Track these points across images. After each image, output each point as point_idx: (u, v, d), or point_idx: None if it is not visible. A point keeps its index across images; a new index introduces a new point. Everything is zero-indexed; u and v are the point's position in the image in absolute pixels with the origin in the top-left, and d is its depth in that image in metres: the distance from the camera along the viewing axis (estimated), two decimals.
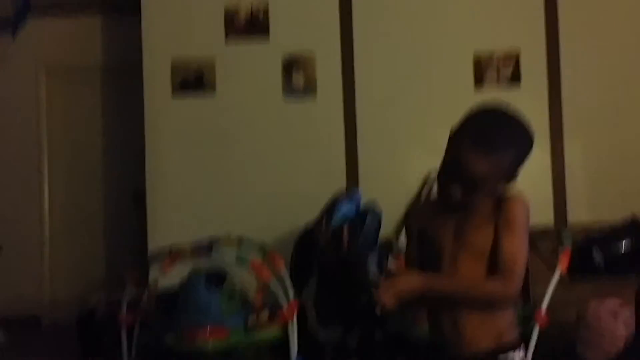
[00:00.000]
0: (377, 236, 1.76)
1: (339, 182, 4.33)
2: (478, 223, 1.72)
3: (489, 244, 1.69)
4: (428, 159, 4.30)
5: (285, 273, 3.71)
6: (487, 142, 1.66)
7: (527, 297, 3.60)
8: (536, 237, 3.68)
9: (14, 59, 5.29)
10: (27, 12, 4.96)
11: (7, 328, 4.02)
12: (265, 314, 3.41)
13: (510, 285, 1.66)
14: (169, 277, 3.57)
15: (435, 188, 4.05)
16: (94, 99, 5.42)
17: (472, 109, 1.74)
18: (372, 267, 1.70)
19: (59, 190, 5.35)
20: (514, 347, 1.75)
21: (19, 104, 5.32)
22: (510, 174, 1.73)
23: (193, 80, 4.40)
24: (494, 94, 4.36)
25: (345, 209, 1.79)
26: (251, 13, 4.42)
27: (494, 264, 1.68)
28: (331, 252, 1.83)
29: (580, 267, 3.69)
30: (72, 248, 5.29)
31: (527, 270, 3.88)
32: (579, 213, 4.30)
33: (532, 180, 4.30)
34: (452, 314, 1.73)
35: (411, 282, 1.68)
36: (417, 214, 1.90)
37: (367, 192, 4.33)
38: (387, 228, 4.13)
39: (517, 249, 1.67)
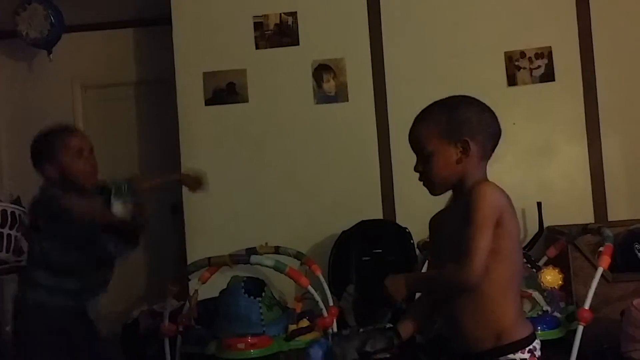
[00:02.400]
0: None
1: (374, 186, 4.34)
2: (456, 219, 1.76)
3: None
4: None
5: (323, 279, 3.72)
6: (421, 112, 1.89)
7: (570, 296, 3.56)
8: (577, 235, 3.65)
9: (50, 76, 5.39)
10: (62, 31, 5.06)
11: None
12: (305, 321, 3.42)
13: (464, 269, 1.65)
14: (208, 287, 3.61)
15: None
16: (129, 112, 5.48)
17: None
18: None
19: None
20: (514, 349, 1.71)
21: (57, 120, 5.39)
22: (455, 137, 1.79)
23: (225, 89, 4.44)
24: (528, 92, 4.33)
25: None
26: (280, 21, 4.45)
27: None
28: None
29: (623, 264, 3.64)
30: None
31: (568, 268, 3.84)
32: (619, 209, 4.24)
33: (570, 178, 4.29)
34: (453, 315, 1.76)
35: (397, 283, 1.79)
36: (433, 218, 1.96)
37: (402, 195, 4.37)
38: (423, 231, 4.14)
39: (475, 233, 1.66)
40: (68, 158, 2.73)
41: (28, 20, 4.93)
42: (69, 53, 5.25)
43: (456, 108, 1.82)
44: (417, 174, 1.85)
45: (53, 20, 4.96)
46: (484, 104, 1.87)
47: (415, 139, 1.85)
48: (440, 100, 1.88)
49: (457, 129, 1.79)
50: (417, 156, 1.86)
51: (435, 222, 1.92)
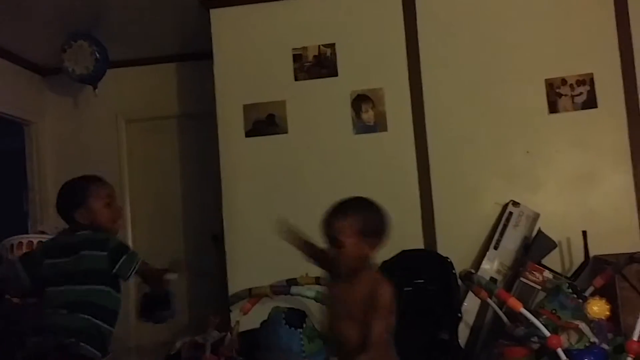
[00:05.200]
0: None
1: (414, 216, 4.30)
2: (358, 297, 2.24)
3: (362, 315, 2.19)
4: (503, 188, 4.25)
5: None
6: (340, 208, 2.46)
7: (618, 327, 3.47)
8: (624, 264, 3.56)
9: (95, 110, 5.53)
10: (106, 66, 5.19)
11: None
12: None
13: (367, 354, 2.12)
14: (250, 318, 3.62)
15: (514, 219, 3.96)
16: (172, 145, 5.58)
17: None
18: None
19: (142, 238, 5.50)
20: None
21: (102, 154, 5.54)
22: (365, 236, 2.30)
23: (265, 120, 4.49)
24: (570, 119, 4.28)
25: None
26: (319, 53, 4.49)
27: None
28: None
29: None
30: None
31: (615, 299, 3.75)
32: None
33: (615, 206, 4.20)
34: None
35: None
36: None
37: (443, 224, 4.32)
38: (464, 260, 4.09)
39: (381, 329, 2.15)
40: (99, 205, 2.91)
41: (74, 56, 5.07)
42: (113, 88, 5.38)
43: (367, 214, 2.37)
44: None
45: (98, 57, 5.08)
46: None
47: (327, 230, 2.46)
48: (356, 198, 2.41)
49: (369, 234, 2.32)
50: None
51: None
